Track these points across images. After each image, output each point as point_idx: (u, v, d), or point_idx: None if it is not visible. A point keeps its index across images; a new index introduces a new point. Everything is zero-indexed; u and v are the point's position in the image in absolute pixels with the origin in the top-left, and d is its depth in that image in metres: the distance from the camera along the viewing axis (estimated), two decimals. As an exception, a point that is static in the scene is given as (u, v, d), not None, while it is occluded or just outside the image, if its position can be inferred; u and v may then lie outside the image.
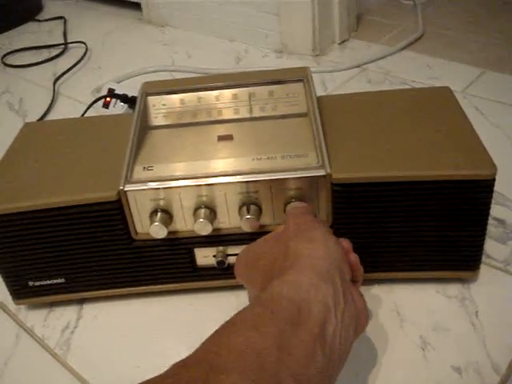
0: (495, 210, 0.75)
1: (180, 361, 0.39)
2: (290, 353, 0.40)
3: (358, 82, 1.14)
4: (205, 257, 0.66)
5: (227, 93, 0.71)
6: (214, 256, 0.65)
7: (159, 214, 0.61)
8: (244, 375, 0.37)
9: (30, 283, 0.66)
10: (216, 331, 0.42)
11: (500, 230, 0.73)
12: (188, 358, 0.39)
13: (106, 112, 1.05)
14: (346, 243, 0.54)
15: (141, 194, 0.60)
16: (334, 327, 0.44)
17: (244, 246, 0.63)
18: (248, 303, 0.56)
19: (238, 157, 0.62)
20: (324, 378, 0.42)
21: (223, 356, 0.38)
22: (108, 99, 1.06)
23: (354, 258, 0.53)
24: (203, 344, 0.41)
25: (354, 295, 0.49)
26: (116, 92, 1.06)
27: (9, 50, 1.46)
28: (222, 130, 0.68)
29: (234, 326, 0.42)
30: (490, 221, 0.73)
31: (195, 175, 0.60)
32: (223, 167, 0.61)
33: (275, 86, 0.71)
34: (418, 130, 0.64)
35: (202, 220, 0.60)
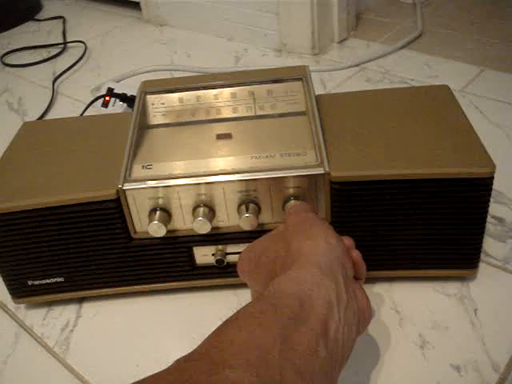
0: (494, 209, 0.75)
1: (183, 356, 0.39)
2: (294, 348, 0.40)
3: (357, 80, 1.14)
4: (204, 255, 0.66)
5: (226, 91, 0.71)
6: (213, 254, 0.65)
7: (158, 212, 0.61)
8: (248, 370, 0.37)
9: (29, 282, 0.66)
10: (219, 327, 0.42)
11: (499, 229, 0.73)
12: (191, 353, 0.40)
13: (105, 111, 1.05)
14: (347, 240, 0.54)
15: (140, 193, 0.60)
16: (337, 324, 0.44)
17: (243, 245, 0.64)
18: (249, 301, 0.56)
19: (237, 155, 0.62)
20: (327, 373, 0.42)
21: (227, 351, 0.38)
22: (107, 98, 1.06)
23: (357, 254, 0.53)
24: (206, 339, 0.41)
25: (356, 292, 0.49)
26: (115, 91, 1.06)
27: (8, 50, 1.47)
28: (220, 128, 0.68)
29: (237, 321, 0.42)
30: (489, 219, 0.73)
31: (194, 174, 0.60)
32: (222, 166, 0.61)
33: (274, 85, 0.71)
34: (417, 128, 0.64)
35: (200, 218, 0.60)
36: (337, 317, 0.44)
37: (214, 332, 0.41)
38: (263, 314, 0.42)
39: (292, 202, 0.60)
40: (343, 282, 0.46)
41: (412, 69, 1.15)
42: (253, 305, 0.44)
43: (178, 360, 0.39)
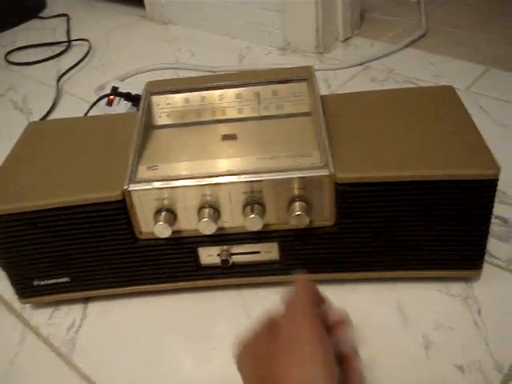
0: (498, 209, 0.75)
1: None
2: None
3: (362, 79, 1.14)
4: (209, 256, 0.66)
5: (231, 92, 0.71)
6: (218, 255, 0.65)
7: (163, 213, 0.61)
8: None
9: (35, 282, 0.67)
10: None
11: (503, 229, 0.73)
12: None
13: (109, 110, 1.05)
14: (350, 349, 0.49)
15: (145, 194, 0.60)
16: None
17: (248, 245, 0.64)
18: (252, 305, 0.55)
19: (242, 156, 0.62)
20: None
21: None
22: (111, 97, 1.06)
23: (358, 363, 0.48)
24: None
25: None
26: (119, 90, 1.07)
27: (12, 48, 1.47)
28: (225, 129, 0.68)
29: None
30: (493, 220, 0.72)
31: (199, 175, 0.60)
32: (227, 167, 0.61)
33: (279, 86, 0.71)
34: (421, 129, 0.64)
35: (206, 219, 0.60)
36: None
37: None
38: None
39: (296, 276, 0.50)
40: None
41: (417, 68, 1.15)
42: None
43: None
